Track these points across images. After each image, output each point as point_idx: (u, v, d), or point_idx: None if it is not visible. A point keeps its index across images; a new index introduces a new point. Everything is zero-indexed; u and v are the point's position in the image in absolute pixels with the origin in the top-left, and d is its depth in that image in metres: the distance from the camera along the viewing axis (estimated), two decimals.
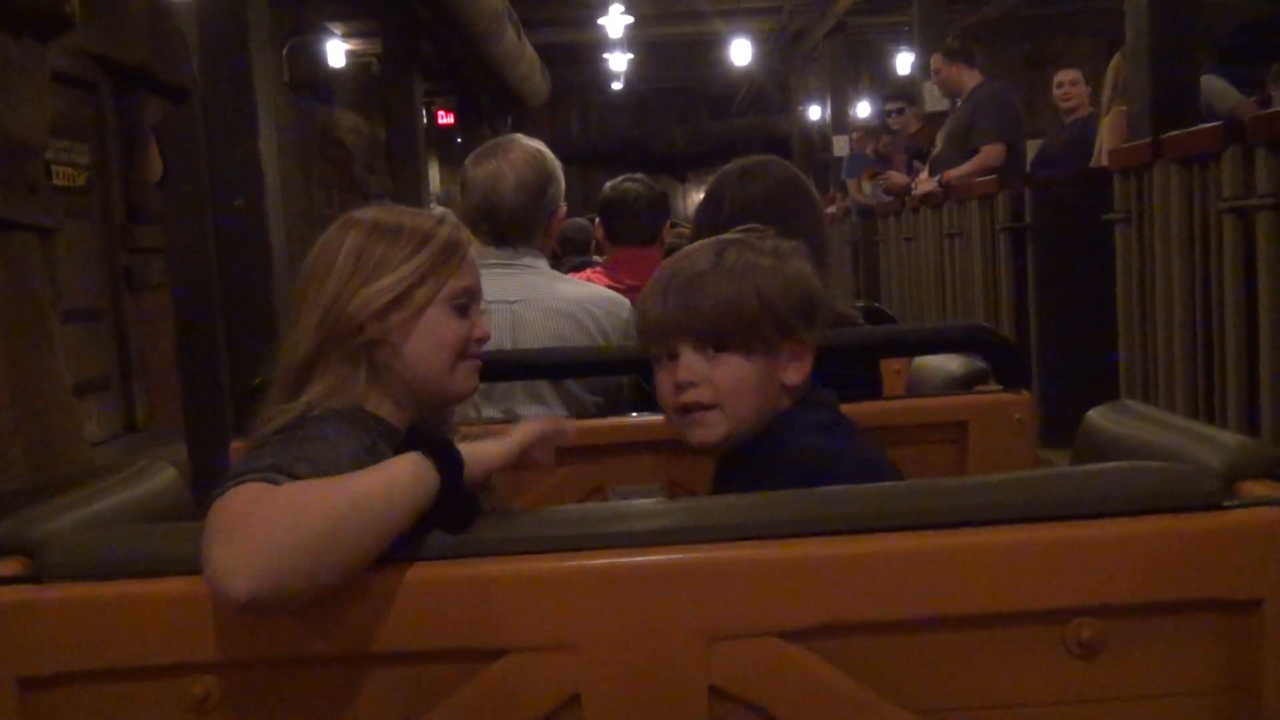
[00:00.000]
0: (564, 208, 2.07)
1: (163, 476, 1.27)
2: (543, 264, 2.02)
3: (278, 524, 0.88)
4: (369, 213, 1.21)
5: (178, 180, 4.42)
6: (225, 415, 3.96)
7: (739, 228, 1.34)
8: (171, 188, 4.60)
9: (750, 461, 1.22)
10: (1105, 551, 0.98)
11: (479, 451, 1.10)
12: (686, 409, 1.21)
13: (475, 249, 1.26)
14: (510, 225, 2.00)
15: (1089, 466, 1.09)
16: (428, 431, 1.04)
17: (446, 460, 0.98)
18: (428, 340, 1.16)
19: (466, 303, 1.19)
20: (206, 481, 1.31)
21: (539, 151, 2.03)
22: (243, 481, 0.92)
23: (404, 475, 0.96)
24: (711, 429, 1.20)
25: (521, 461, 1.17)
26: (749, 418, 1.20)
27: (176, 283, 4.69)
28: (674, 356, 1.21)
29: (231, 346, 4.05)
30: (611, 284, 2.45)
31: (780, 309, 1.20)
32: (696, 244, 1.29)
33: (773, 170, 1.80)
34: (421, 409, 1.19)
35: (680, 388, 1.20)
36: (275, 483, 0.92)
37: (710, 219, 1.81)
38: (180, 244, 4.42)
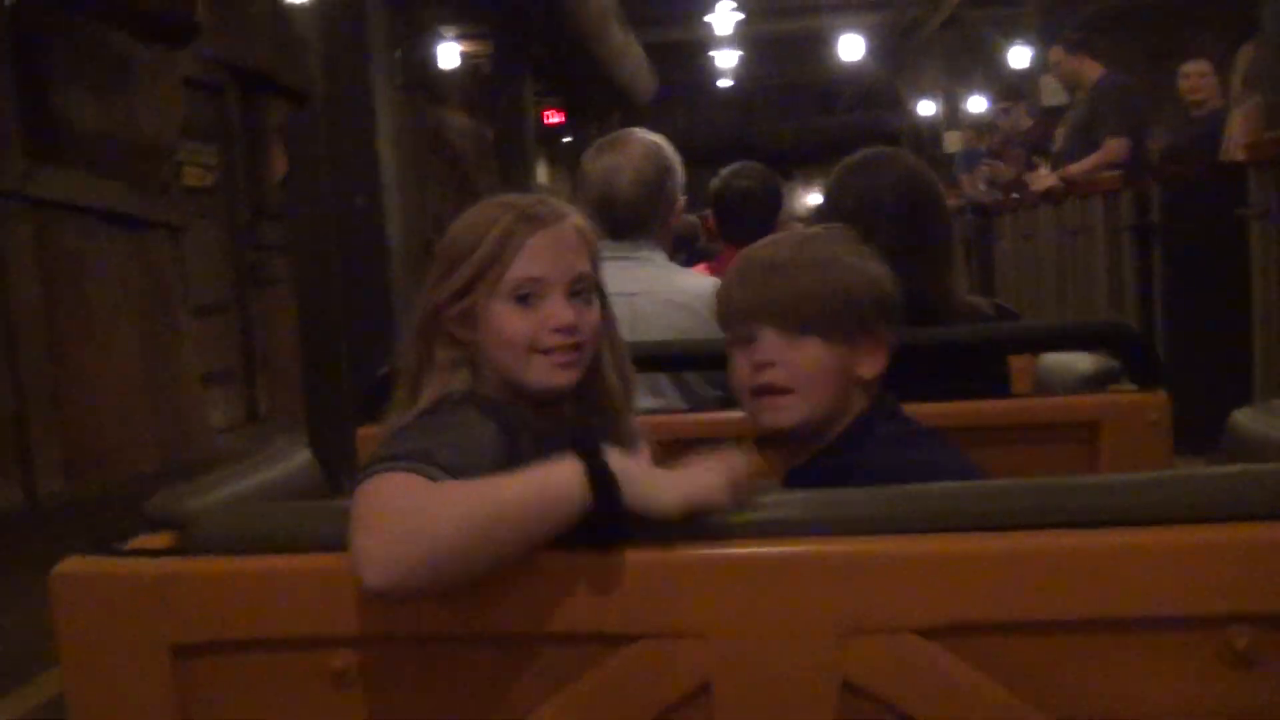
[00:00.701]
0: (682, 201, 2.07)
1: (299, 459, 1.32)
2: (660, 256, 2.02)
3: (421, 523, 0.89)
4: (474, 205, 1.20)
5: (300, 180, 4.57)
6: (344, 405, 4.08)
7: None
8: (294, 187, 4.76)
9: (833, 475, 1.18)
10: (1263, 557, 0.93)
11: (649, 489, 0.94)
12: (761, 391, 1.20)
13: (573, 225, 1.16)
14: (627, 218, 2.00)
15: (1245, 466, 1.04)
16: (592, 443, 0.96)
17: (603, 483, 0.92)
18: (493, 336, 1.13)
19: (530, 292, 1.13)
20: (328, 467, 1.35)
21: (657, 145, 2.03)
22: (391, 469, 0.94)
23: (553, 491, 0.92)
24: (784, 413, 1.19)
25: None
26: (823, 405, 1.19)
27: (299, 278, 4.86)
28: (751, 340, 1.21)
29: (351, 339, 4.17)
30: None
31: (861, 301, 1.20)
32: (779, 234, 1.31)
33: (900, 162, 1.76)
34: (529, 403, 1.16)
35: (758, 368, 1.19)
36: (422, 473, 0.94)
37: (834, 215, 1.78)
38: (303, 241, 4.57)
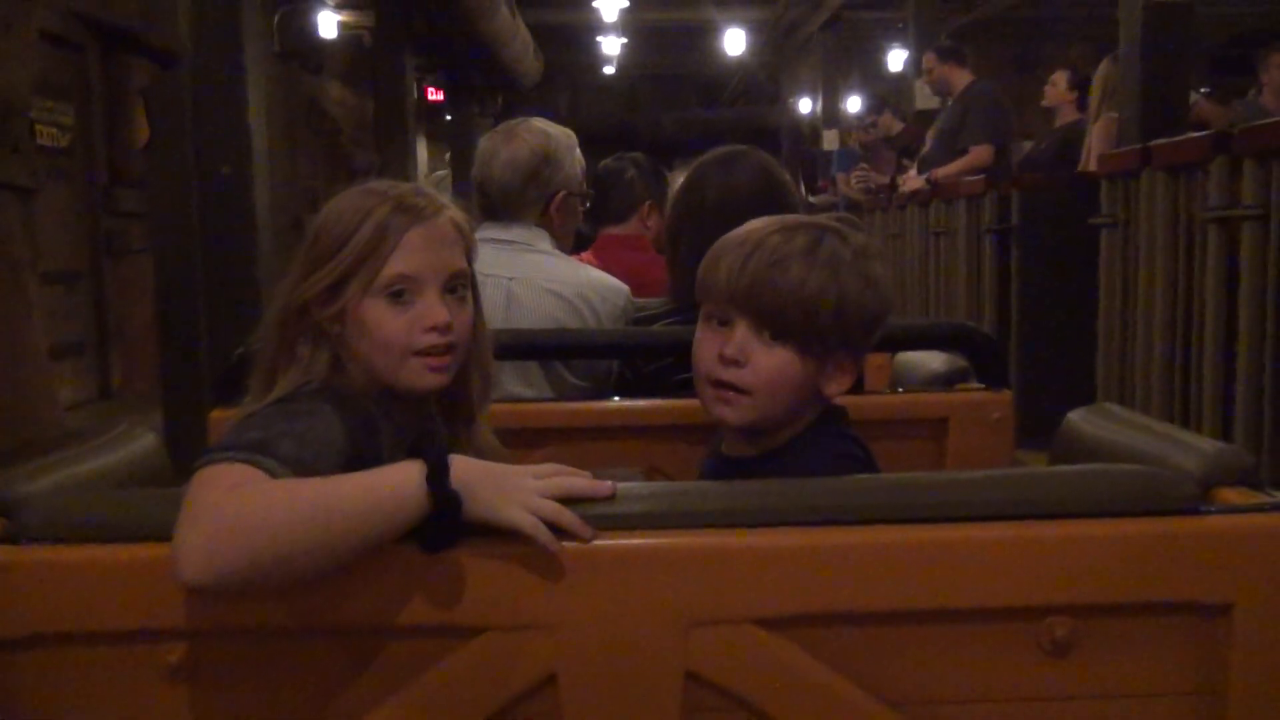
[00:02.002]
0: (564, 193, 2.06)
1: (143, 442, 1.26)
2: (545, 242, 2.02)
3: (246, 520, 0.87)
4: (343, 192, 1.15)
5: (164, 145, 4.37)
6: (202, 383, 3.93)
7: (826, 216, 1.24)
8: (157, 153, 4.55)
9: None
10: (1081, 551, 0.99)
11: (493, 501, 0.93)
12: (720, 384, 1.15)
13: (450, 219, 1.13)
14: (499, 202, 2.02)
15: (1068, 467, 1.10)
16: (438, 454, 0.93)
17: (444, 500, 0.91)
18: (367, 337, 1.09)
19: (404, 289, 1.09)
20: (182, 449, 1.29)
21: (545, 135, 2.04)
22: (228, 460, 0.91)
23: (392, 500, 0.91)
24: (737, 411, 1.15)
25: None
26: (777, 414, 1.16)
27: (158, 249, 4.64)
28: (725, 324, 1.15)
29: (212, 315, 4.02)
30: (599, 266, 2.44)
31: (853, 319, 1.14)
32: (792, 219, 1.19)
33: (753, 159, 1.83)
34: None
35: (724, 361, 1.14)
36: (259, 465, 0.91)
37: (695, 208, 1.82)
38: (164, 210, 4.37)
